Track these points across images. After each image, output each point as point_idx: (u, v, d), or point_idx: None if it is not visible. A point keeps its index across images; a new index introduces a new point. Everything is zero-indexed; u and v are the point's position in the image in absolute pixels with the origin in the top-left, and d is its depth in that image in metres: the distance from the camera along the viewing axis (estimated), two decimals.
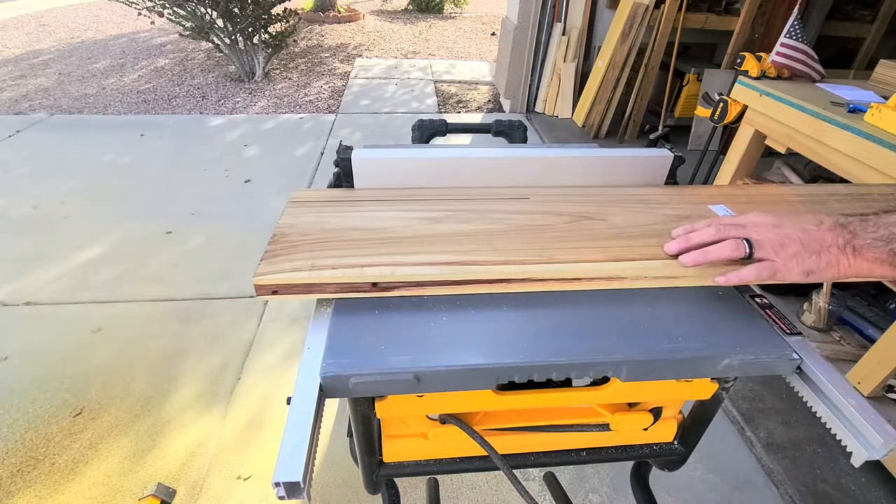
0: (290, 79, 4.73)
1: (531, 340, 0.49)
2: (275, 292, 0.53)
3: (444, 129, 1.05)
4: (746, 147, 1.87)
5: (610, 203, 0.69)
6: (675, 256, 0.56)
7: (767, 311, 0.55)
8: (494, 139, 1.05)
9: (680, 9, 3.08)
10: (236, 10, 4.12)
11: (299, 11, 5.04)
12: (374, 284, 0.54)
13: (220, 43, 4.29)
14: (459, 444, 0.62)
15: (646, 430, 0.65)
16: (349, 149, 0.72)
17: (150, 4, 4.06)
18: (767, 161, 2.31)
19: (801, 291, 1.79)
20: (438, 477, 1.01)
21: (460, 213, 0.66)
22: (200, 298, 1.94)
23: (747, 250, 0.50)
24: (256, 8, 4.17)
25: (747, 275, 0.50)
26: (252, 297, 1.85)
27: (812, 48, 1.78)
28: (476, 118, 4.09)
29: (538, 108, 4.02)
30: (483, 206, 0.68)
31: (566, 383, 0.62)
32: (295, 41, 5.86)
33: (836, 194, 0.73)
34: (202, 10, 4.10)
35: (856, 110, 1.45)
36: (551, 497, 0.96)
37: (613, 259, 0.56)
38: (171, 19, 4.20)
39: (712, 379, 0.56)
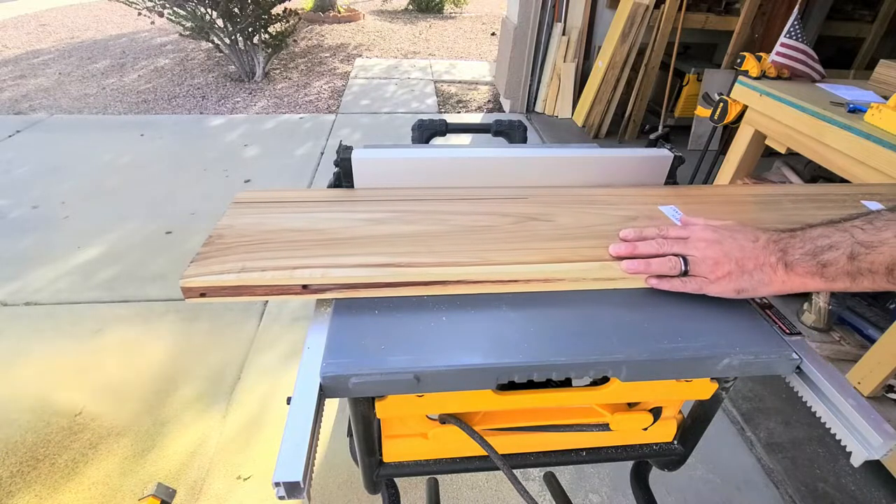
0: (290, 79, 4.73)
1: (531, 340, 0.49)
2: (203, 295, 0.52)
3: (444, 129, 1.05)
4: (746, 147, 1.87)
5: (559, 203, 0.69)
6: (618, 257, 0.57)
7: (767, 311, 0.55)
8: (494, 139, 1.05)
9: (680, 9, 3.08)
10: (236, 10, 4.12)
11: (299, 11, 5.03)
12: (305, 287, 0.53)
13: (220, 43, 4.29)
14: (459, 444, 0.62)
15: (646, 429, 0.65)
16: (349, 149, 0.72)
17: (150, 4, 4.06)
18: (767, 161, 2.31)
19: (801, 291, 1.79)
20: (438, 477, 1.01)
21: (405, 214, 0.65)
22: None
23: (683, 268, 0.54)
24: (256, 8, 4.17)
25: (677, 286, 0.54)
26: None
27: (812, 48, 1.78)
28: (476, 118, 4.09)
29: (538, 108, 4.02)
30: (429, 207, 0.67)
31: (566, 383, 0.62)
32: (295, 41, 5.86)
33: (792, 194, 0.74)
34: (202, 10, 4.10)
35: (856, 110, 1.45)
36: (551, 497, 0.96)
37: (552, 261, 0.56)
38: (171, 19, 4.20)
39: (712, 379, 0.56)
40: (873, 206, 0.70)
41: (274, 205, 0.67)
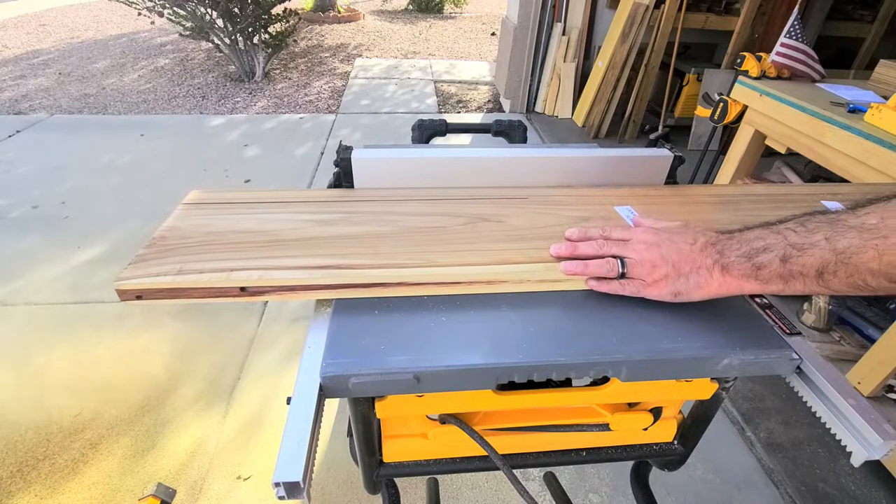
0: (290, 79, 4.73)
1: (531, 340, 0.49)
2: (139, 297, 0.52)
3: (444, 129, 1.05)
4: (746, 147, 1.87)
5: (514, 204, 0.69)
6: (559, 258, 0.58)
7: (767, 311, 0.55)
8: (494, 139, 1.05)
9: (680, 9, 3.08)
10: (236, 10, 4.12)
11: (299, 11, 5.03)
12: (243, 289, 0.52)
13: (220, 43, 4.29)
14: (459, 444, 0.62)
15: (646, 430, 0.65)
16: (349, 149, 0.72)
17: (150, 4, 4.06)
18: (767, 161, 2.31)
19: None
20: (438, 477, 1.01)
21: (355, 215, 0.65)
22: None
23: (620, 270, 0.54)
24: (256, 8, 4.17)
25: (614, 288, 0.54)
26: None
27: (812, 48, 1.78)
28: (476, 118, 4.09)
29: (538, 108, 4.02)
30: (380, 208, 0.67)
31: (566, 383, 0.62)
32: (295, 41, 5.86)
33: (752, 194, 0.73)
34: (202, 10, 4.10)
35: (856, 110, 1.45)
36: (551, 497, 0.96)
37: (495, 262, 0.56)
38: (171, 19, 4.20)
39: (712, 379, 0.56)
40: (833, 206, 0.69)
41: (225, 206, 0.66)
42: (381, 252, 0.57)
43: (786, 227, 0.46)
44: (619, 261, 0.54)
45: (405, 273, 0.54)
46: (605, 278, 0.55)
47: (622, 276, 0.54)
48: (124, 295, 0.52)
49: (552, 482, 0.88)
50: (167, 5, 4.08)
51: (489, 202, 0.69)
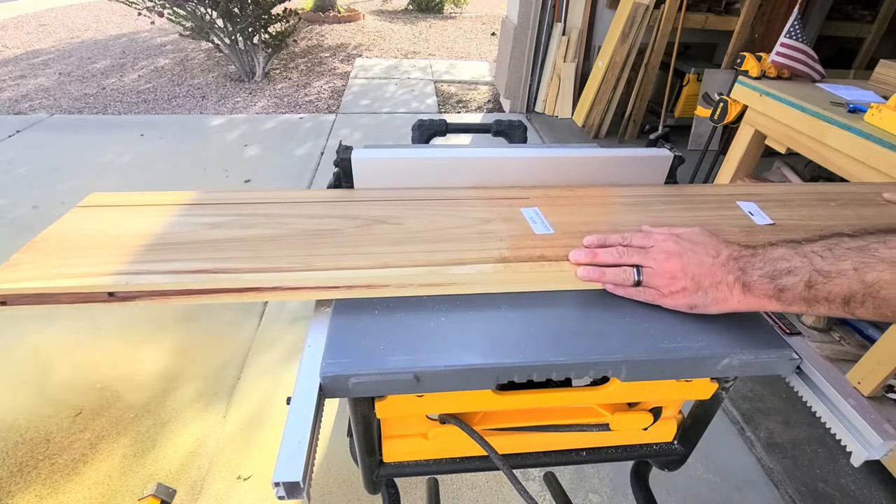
0: (290, 79, 4.73)
1: (531, 340, 0.49)
2: (3, 303, 0.50)
3: (444, 129, 1.05)
4: (746, 147, 1.87)
5: (416, 206, 0.67)
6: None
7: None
8: (494, 139, 1.05)
9: (680, 9, 3.08)
10: (236, 10, 4.12)
11: (299, 11, 5.03)
12: (111, 294, 0.51)
13: (220, 43, 4.29)
14: (459, 444, 0.62)
15: (646, 429, 0.65)
16: (349, 149, 0.72)
17: (150, 4, 4.06)
18: (767, 161, 2.31)
19: None
20: (438, 477, 1.01)
21: (248, 217, 0.63)
22: None
23: (635, 279, 0.54)
24: (256, 8, 4.17)
25: (632, 293, 0.54)
26: None
27: (812, 48, 1.78)
28: (476, 118, 4.09)
29: (538, 108, 4.02)
30: (276, 211, 0.65)
31: (566, 383, 0.62)
32: (295, 41, 5.86)
33: (665, 195, 0.73)
34: (202, 10, 4.10)
35: (856, 110, 1.45)
36: (551, 497, 0.96)
37: (378, 266, 0.55)
38: (171, 19, 4.20)
39: (712, 379, 0.56)
40: (747, 206, 0.69)
41: (120, 209, 0.65)
42: (263, 255, 0.56)
43: (812, 249, 0.45)
44: (635, 269, 0.54)
45: (281, 277, 0.53)
46: (621, 285, 0.55)
47: (638, 283, 0.54)
48: None
49: (552, 482, 0.88)
50: (167, 5, 4.08)
51: (392, 204, 0.68)
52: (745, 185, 0.79)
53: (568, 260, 0.57)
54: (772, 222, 0.66)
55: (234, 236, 0.59)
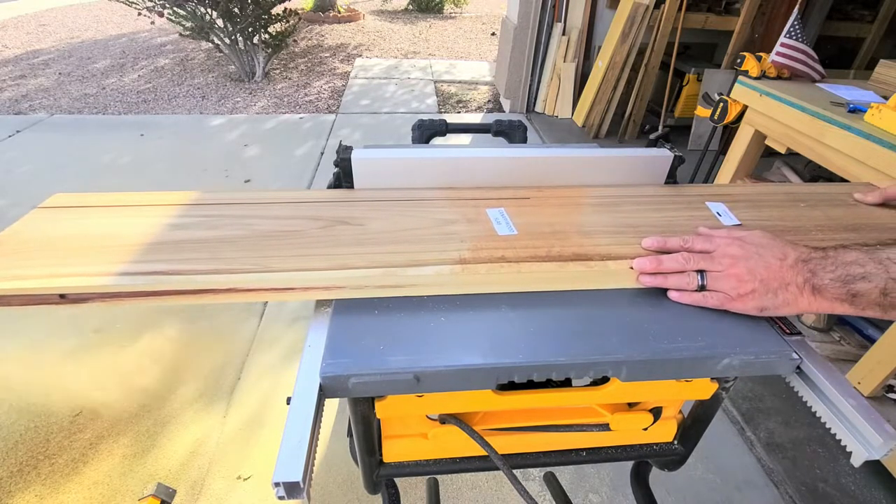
0: (290, 79, 4.73)
1: (531, 340, 0.49)
2: None
3: (444, 129, 1.05)
4: (746, 147, 1.87)
5: (381, 207, 0.67)
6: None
7: None
8: (494, 139, 1.05)
9: (680, 9, 3.08)
10: (236, 10, 4.12)
11: (299, 11, 5.03)
12: (63, 296, 0.50)
13: (220, 43, 4.29)
14: (459, 444, 0.62)
15: (646, 429, 0.65)
16: (349, 149, 0.72)
17: (150, 4, 4.06)
18: (767, 161, 2.31)
19: None
20: (438, 477, 1.01)
21: (213, 219, 0.62)
22: None
23: (699, 283, 0.53)
24: (256, 8, 4.17)
25: (698, 300, 0.53)
26: None
27: (812, 48, 1.78)
28: (476, 118, 4.09)
29: (538, 108, 4.02)
30: (241, 212, 0.65)
31: (566, 383, 0.62)
32: (295, 41, 5.86)
33: (636, 195, 0.72)
34: (202, 10, 4.10)
35: (856, 110, 1.45)
36: (551, 497, 0.96)
37: (335, 267, 0.54)
38: (171, 19, 4.20)
39: (712, 379, 0.56)
40: (715, 207, 0.69)
41: (84, 210, 0.64)
42: (221, 257, 0.55)
43: (888, 256, 0.45)
44: (698, 275, 0.53)
45: (236, 279, 0.52)
46: (685, 290, 0.54)
47: (702, 287, 0.53)
48: None
49: (552, 482, 0.88)
50: (167, 5, 4.08)
51: (358, 204, 0.67)
52: (716, 185, 0.79)
53: (528, 261, 0.56)
54: (739, 223, 0.66)
55: (195, 237, 0.58)
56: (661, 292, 0.56)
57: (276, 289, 0.53)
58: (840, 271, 0.46)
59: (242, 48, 4.40)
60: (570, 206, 0.69)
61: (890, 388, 1.41)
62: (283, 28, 4.63)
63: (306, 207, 0.66)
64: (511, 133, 1.07)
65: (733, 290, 0.51)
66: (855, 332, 1.70)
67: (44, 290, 0.50)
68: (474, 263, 0.56)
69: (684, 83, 3.40)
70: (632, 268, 0.56)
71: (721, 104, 1.98)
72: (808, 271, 0.48)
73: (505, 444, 0.65)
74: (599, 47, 3.54)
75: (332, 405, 1.50)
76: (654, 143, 0.81)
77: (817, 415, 0.50)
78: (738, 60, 1.90)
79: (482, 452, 0.58)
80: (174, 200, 0.67)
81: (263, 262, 0.54)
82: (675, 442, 0.69)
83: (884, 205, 0.70)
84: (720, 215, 0.68)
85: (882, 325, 1.64)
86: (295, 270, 0.53)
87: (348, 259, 0.55)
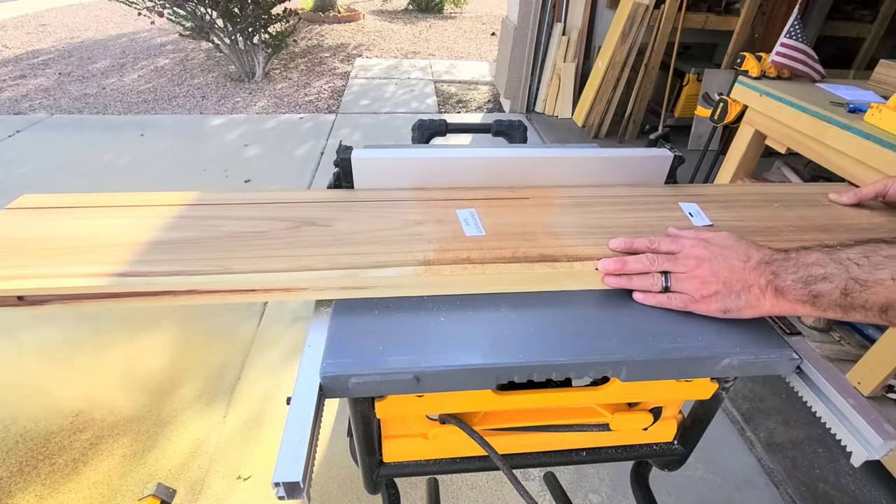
0: (290, 79, 4.73)
1: (531, 340, 0.49)
2: None
3: (444, 129, 1.05)
4: (746, 147, 1.87)
5: (350, 208, 0.66)
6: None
7: None
8: (494, 139, 1.05)
9: (680, 9, 3.08)
10: (236, 10, 4.12)
11: (299, 11, 5.03)
12: (21, 298, 0.50)
13: (220, 43, 4.29)
14: (459, 444, 0.62)
15: (646, 430, 0.65)
16: (349, 149, 0.72)
17: (150, 4, 4.06)
18: (767, 161, 2.31)
19: None
20: (438, 477, 1.01)
21: (179, 220, 0.62)
22: None
23: (663, 285, 0.53)
24: (256, 8, 4.16)
25: (662, 301, 0.54)
26: None
27: (812, 48, 1.78)
28: (476, 118, 4.09)
29: (538, 108, 4.02)
30: (209, 213, 0.64)
31: (566, 383, 0.62)
32: (295, 41, 5.86)
33: (609, 196, 0.72)
34: (202, 10, 4.10)
35: (856, 110, 1.45)
36: (551, 497, 0.96)
37: (297, 269, 0.53)
38: (171, 19, 4.19)
39: (712, 379, 0.56)
40: (688, 207, 0.69)
41: (54, 210, 0.64)
42: (184, 259, 0.54)
43: (848, 256, 0.45)
44: (663, 276, 0.53)
45: (197, 280, 0.52)
46: (649, 291, 0.54)
47: (666, 289, 0.53)
48: None
49: (552, 482, 0.88)
50: (167, 5, 4.08)
51: (327, 205, 0.67)
52: (690, 185, 0.79)
53: (493, 262, 0.56)
54: (710, 223, 0.66)
55: (159, 238, 0.58)
56: None
57: (238, 290, 0.53)
58: (801, 272, 0.46)
59: (242, 48, 4.40)
60: (543, 206, 0.69)
61: (890, 388, 1.41)
62: (283, 28, 4.63)
63: (274, 208, 0.66)
64: (511, 133, 1.07)
65: (696, 291, 0.51)
66: (855, 332, 1.70)
67: (4, 292, 0.49)
68: (439, 265, 0.55)
69: (684, 83, 3.40)
70: (597, 269, 0.56)
71: (721, 104, 1.98)
72: (771, 273, 0.48)
73: (505, 444, 0.65)
74: (599, 47, 3.54)
75: (332, 405, 1.50)
76: (653, 143, 0.81)
77: (817, 415, 0.50)
78: (738, 60, 1.90)
79: (482, 452, 0.58)
80: (142, 202, 0.67)
81: (226, 263, 0.54)
82: (675, 442, 0.69)
83: (858, 205, 0.70)
84: (692, 216, 0.68)
85: (882, 326, 1.63)
86: (256, 272, 0.53)
87: (311, 260, 0.55)
